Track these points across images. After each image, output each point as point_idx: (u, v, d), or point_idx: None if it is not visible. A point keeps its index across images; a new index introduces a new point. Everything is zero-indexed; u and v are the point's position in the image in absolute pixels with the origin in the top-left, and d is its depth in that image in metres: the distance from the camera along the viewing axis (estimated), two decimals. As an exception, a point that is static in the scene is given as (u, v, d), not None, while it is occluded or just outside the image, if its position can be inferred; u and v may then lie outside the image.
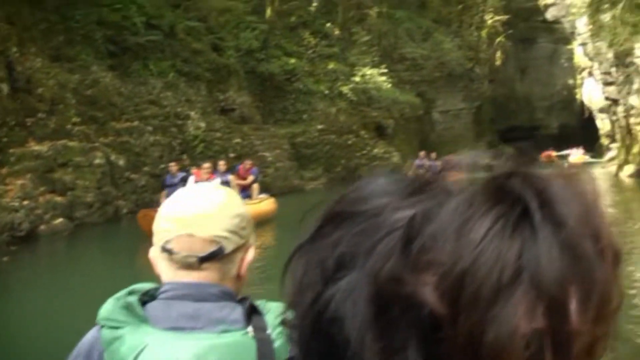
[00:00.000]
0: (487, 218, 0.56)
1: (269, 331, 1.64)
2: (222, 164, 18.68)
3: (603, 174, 39.44)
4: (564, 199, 0.58)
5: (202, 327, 1.64)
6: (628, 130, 34.95)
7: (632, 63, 32.56)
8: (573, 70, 59.08)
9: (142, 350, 1.59)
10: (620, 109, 36.19)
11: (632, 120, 33.60)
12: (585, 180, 0.62)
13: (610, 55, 35.69)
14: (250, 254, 1.77)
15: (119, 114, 23.99)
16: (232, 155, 27.88)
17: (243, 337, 1.62)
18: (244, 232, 1.75)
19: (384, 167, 1.03)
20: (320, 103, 38.68)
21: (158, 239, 1.74)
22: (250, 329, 1.64)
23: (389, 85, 44.78)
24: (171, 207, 1.75)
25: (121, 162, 22.48)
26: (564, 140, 65.67)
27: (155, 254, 1.77)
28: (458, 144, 54.82)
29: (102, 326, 1.65)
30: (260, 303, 1.73)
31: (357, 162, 38.78)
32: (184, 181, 17.27)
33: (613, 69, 35.86)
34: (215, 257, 1.70)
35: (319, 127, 37.47)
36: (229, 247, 1.71)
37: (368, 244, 0.60)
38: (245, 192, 19.36)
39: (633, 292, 10.20)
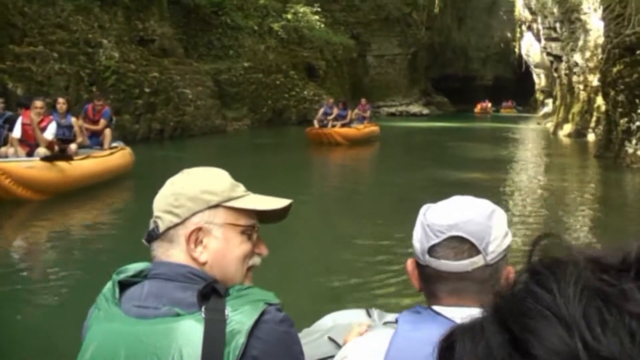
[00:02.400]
0: None
1: (227, 314, 1.57)
2: (61, 102, 14.51)
3: (539, 132, 38.90)
4: None
5: (163, 307, 1.61)
6: (569, 88, 34.25)
7: (578, 19, 31.75)
8: (512, 23, 58.82)
9: (96, 343, 1.64)
10: (562, 66, 35.47)
11: (574, 78, 32.84)
12: None
13: (555, 10, 34.97)
14: (213, 237, 1.71)
15: (20, 36, 21.71)
16: (147, 90, 25.99)
17: (193, 320, 1.57)
18: (179, 210, 1.70)
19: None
20: (248, 39, 37.16)
21: None
22: (203, 310, 1.58)
23: (322, 25, 43.66)
24: None
25: (19, 91, 20.35)
26: (498, 92, 66.09)
27: None
28: (391, 89, 54.29)
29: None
30: (239, 287, 1.66)
31: (284, 103, 37.57)
32: (8, 123, 14.38)
33: (557, 25, 35.14)
34: (152, 237, 1.73)
35: (246, 64, 35.97)
36: (161, 227, 1.71)
37: None
38: (95, 138, 15.97)
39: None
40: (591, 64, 29.83)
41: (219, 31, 36.08)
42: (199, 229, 1.70)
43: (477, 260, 1.58)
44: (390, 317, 2.80)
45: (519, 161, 23.64)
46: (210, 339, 1.54)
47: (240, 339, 1.54)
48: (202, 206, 1.71)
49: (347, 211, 13.13)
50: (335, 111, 27.20)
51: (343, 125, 26.65)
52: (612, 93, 19.77)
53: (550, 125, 39.17)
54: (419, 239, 1.63)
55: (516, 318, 0.60)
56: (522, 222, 11.65)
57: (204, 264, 1.71)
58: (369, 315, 3.08)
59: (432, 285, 1.64)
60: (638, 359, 0.55)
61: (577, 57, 31.90)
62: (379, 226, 11.06)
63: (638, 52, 19.07)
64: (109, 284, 1.73)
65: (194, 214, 1.71)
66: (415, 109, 56.36)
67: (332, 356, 2.40)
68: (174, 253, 1.71)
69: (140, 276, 1.74)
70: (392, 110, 54.86)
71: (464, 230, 1.58)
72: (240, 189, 1.80)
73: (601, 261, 0.62)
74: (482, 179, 17.01)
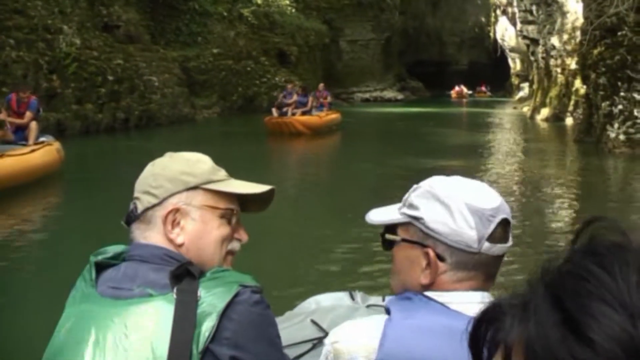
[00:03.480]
0: None
1: (199, 294, 1.56)
2: None
3: (516, 116, 38.49)
4: None
5: (136, 288, 1.61)
6: (547, 72, 33.75)
7: (555, 1, 31.33)
8: (486, 7, 58.77)
9: (69, 323, 1.65)
10: (539, 49, 35.01)
11: (552, 61, 32.34)
12: None
13: (531, -8, 34.56)
14: (190, 219, 1.71)
15: (-27, 23, 20.74)
16: (110, 78, 25.00)
17: (165, 301, 1.57)
18: (157, 191, 1.71)
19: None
20: (217, 25, 36.46)
21: None
22: (174, 292, 1.57)
23: (294, 11, 43.19)
24: None
25: (-28, 81, 19.36)
26: (473, 77, 66.17)
27: None
28: (365, 75, 53.92)
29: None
30: (214, 270, 1.64)
31: (255, 90, 36.84)
32: None
33: (534, 7, 34.69)
34: (131, 218, 1.73)
35: (215, 51, 35.30)
36: (139, 208, 1.72)
37: None
38: (21, 133, 14.00)
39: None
40: (569, 47, 29.51)
41: (187, 17, 35.19)
42: (177, 210, 1.71)
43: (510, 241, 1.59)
44: (374, 299, 3.00)
45: (496, 147, 23.04)
46: (180, 320, 1.53)
47: (212, 321, 1.51)
48: (180, 187, 1.72)
49: (323, 200, 13.19)
50: (295, 97, 25.65)
51: (304, 113, 25.11)
52: (593, 76, 19.18)
53: (526, 109, 38.86)
54: (473, 227, 1.52)
55: (573, 297, 0.59)
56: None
57: (180, 245, 1.71)
58: (352, 297, 3.09)
59: (461, 274, 1.55)
60: None
61: (554, 40, 31.45)
62: (358, 214, 10.35)
63: (620, 33, 18.46)
64: (87, 266, 1.72)
65: (171, 195, 1.71)
66: (389, 94, 55.85)
67: (315, 339, 2.59)
68: (151, 235, 1.71)
69: (119, 258, 1.73)
70: (366, 96, 54.33)
71: (505, 212, 1.56)
72: (222, 173, 1.80)
73: None
74: (457, 166, 16.34)
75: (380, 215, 1.67)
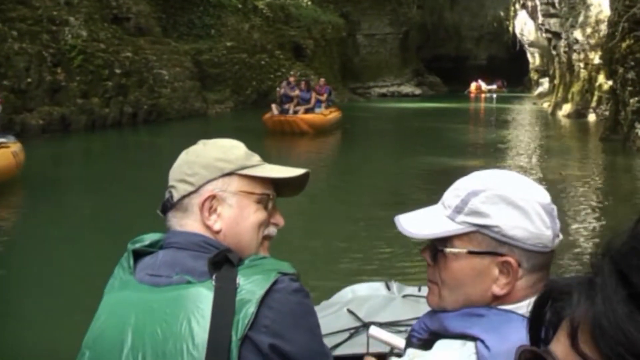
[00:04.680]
0: None
1: (238, 282, 1.56)
2: None
3: (537, 112, 37.70)
4: None
5: (175, 275, 1.62)
6: (569, 66, 32.86)
7: (579, -7, 30.35)
8: (505, 1, 58.32)
9: (108, 310, 1.67)
10: (561, 43, 34.10)
11: (574, 56, 31.45)
12: None
13: (554, -15, 33.83)
14: (227, 205, 1.71)
15: (-25, 13, 20.11)
16: (118, 71, 24.31)
17: (203, 288, 1.56)
18: (192, 179, 1.71)
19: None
20: (231, 18, 35.88)
21: None
22: (213, 279, 1.58)
23: (310, 3, 42.74)
24: None
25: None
26: (492, 72, 65.61)
27: None
28: (382, 69, 53.45)
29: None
30: (253, 257, 1.66)
31: (270, 84, 36.04)
32: None
33: (556, 0, 33.91)
34: (167, 207, 1.73)
35: (229, 44, 34.63)
36: (175, 196, 1.72)
37: None
38: None
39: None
40: (592, 41, 28.77)
41: (200, 9, 34.52)
42: (213, 197, 1.70)
43: None
44: (410, 289, 3.07)
45: (517, 144, 22.23)
46: (220, 307, 1.53)
47: (251, 308, 1.50)
48: (216, 174, 1.72)
49: (349, 196, 13.10)
50: (297, 93, 23.68)
51: (307, 111, 23.14)
52: (621, 70, 18.31)
53: (547, 105, 38.04)
54: (549, 226, 1.44)
55: None
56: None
57: (217, 232, 1.70)
58: (388, 288, 3.14)
59: (534, 277, 1.44)
60: None
61: (577, 34, 30.58)
62: (387, 212, 10.34)
63: (650, 25, 17.55)
64: (125, 254, 1.72)
65: (207, 182, 1.71)
66: (407, 89, 55.18)
67: (352, 328, 2.72)
68: (188, 222, 1.71)
69: (156, 246, 1.74)
70: (384, 90, 53.67)
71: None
72: (256, 158, 1.80)
73: None
74: (477, 165, 15.48)
75: (423, 226, 1.50)
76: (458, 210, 1.46)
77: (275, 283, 1.54)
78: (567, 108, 31.85)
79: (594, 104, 28.47)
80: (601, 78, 27.03)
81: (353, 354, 2.66)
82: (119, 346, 1.58)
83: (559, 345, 0.64)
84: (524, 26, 48.87)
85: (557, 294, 0.67)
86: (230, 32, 35.14)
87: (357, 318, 2.75)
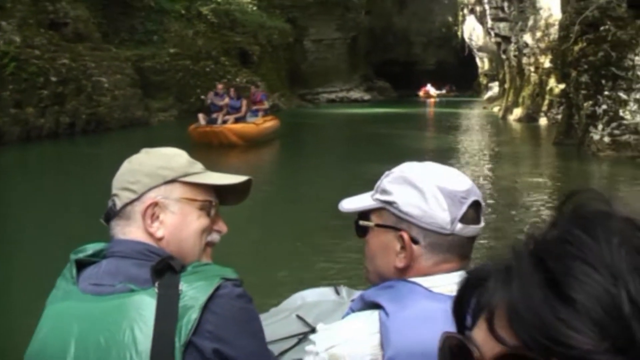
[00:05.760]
0: None
1: (180, 288, 1.56)
2: None
3: (487, 116, 37.66)
4: None
5: (118, 284, 1.61)
6: (519, 70, 32.94)
7: (528, -3, 30.48)
8: (453, 7, 58.72)
9: (51, 321, 1.64)
10: (511, 47, 34.17)
11: (524, 60, 31.54)
12: None
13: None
14: (170, 212, 1.71)
15: None
16: (54, 79, 23.21)
17: (146, 295, 1.56)
18: (135, 187, 1.70)
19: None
20: (174, 24, 35.16)
21: None
22: (156, 286, 1.58)
23: (255, 9, 42.52)
24: None
25: None
26: (441, 77, 66.14)
27: None
28: (331, 75, 53.27)
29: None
30: (196, 264, 1.65)
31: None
32: None
33: (505, 4, 34.07)
34: (110, 215, 1.73)
35: (172, 50, 33.90)
36: (118, 204, 1.71)
37: None
38: None
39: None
40: (542, 45, 28.79)
41: (142, 15, 33.56)
42: (155, 204, 1.70)
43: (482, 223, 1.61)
44: (359, 293, 2.61)
45: (468, 150, 21.79)
46: (162, 314, 1.53)
47: (194, 314, 1.50)
48: (158, 181, 1.72)
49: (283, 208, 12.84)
50: (226, 101, 22.27)
51: (237, 120, 21.58)
52: (574, 74, 17.99)
53: (497, 109, 38.20)
54: (446, 208, 1.52)
55: (556, 259, 0.61)
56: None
57: (160, 239, 1.70)
58: (337, 292, 3.14)
59: (436, 256, 1.54)
60: None
61: (527, 38, 30.74)
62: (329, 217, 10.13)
63: (602, 27, 17.23)
64: (68, 265, 1.70)
65: (150, 189, 1.71)
66: (356, 94, 55.05)
67: (301, 334, 2.69)
68: (131, 230, 1.71)
69: (99, 256, 1.73)
70: (332, 96, 53.46)
71: (476, 194, 1.57)
72: (198, 165, 1.80)
73: (635, 222, 0.64)
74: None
75: (353, 203, 1.66)
76: (376, 189, 1.61)
77: (218, 288, 1.54)
78: (517, 112, 31.92)
79: (545, 107, 28.52)
80: (552, 82, 27.07)
81: None
82: (62, 357, 1.56)
83: (479, 332, 0.65)
84: (472, 31, 49.32)
85: (475, 280, 0.67)
86: (174, 38, 34.39)
87: (306, 323, 2.75)
